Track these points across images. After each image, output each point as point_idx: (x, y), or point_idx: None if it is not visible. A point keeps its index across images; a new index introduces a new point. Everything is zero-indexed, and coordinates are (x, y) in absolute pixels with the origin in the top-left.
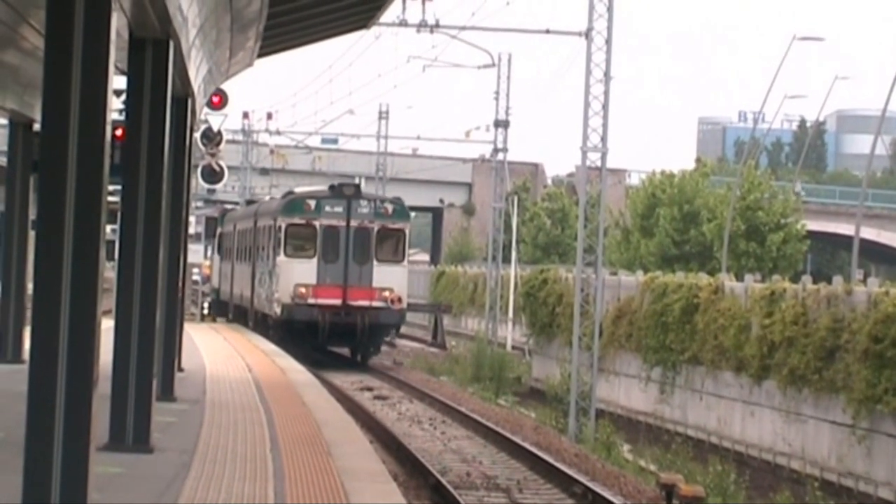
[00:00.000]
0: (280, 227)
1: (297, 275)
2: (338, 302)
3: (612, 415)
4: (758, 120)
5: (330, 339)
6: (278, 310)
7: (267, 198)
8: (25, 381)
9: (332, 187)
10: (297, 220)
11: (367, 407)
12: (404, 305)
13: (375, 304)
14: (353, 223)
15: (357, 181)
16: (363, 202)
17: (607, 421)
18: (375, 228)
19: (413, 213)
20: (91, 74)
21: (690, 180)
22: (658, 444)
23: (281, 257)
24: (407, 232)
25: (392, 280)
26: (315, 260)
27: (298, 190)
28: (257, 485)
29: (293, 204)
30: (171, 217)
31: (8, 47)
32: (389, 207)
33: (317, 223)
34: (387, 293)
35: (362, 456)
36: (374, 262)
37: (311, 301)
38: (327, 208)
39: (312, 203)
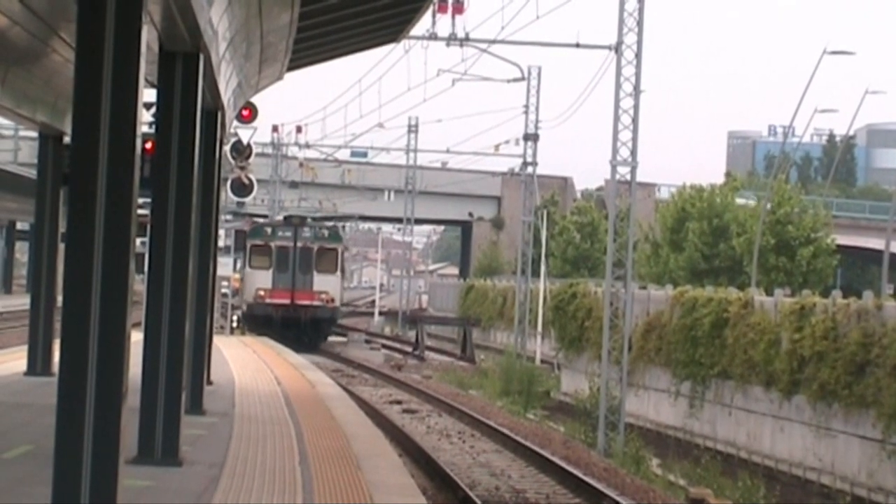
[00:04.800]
0: (247, 247)
1: (257, 281)
2: (287, 301)
3: (641, 429)
4: (788, 134)
5: (282, 328)
6: (244, 306)
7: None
8: (55, 393)
9: (285, 218)
10: (258, 242)
11: (396, 420)
12: (337, 305)
13: (315, 303)
14: (299, 244)
15: (304, 214)
16: (306, 229)
17: (636, 435)
18: (315, 248)
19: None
20: (121, 87)
21: (720, 194)
22: (687, 459)
23: (247, 269)
24: (339, 250)
25: (328, 286)
26: (271, 271)
27: (261, 220)
28: (286, 498)
29: (256, 230)
30: (200, 230)
31: (39, 60)
32: (326, 233)
33: (272, 244)
34: (324, 295)
35: (391, 469)
36: (314, 273)
37: (267, 301)
38: (280, 233)
39: (269, 230)
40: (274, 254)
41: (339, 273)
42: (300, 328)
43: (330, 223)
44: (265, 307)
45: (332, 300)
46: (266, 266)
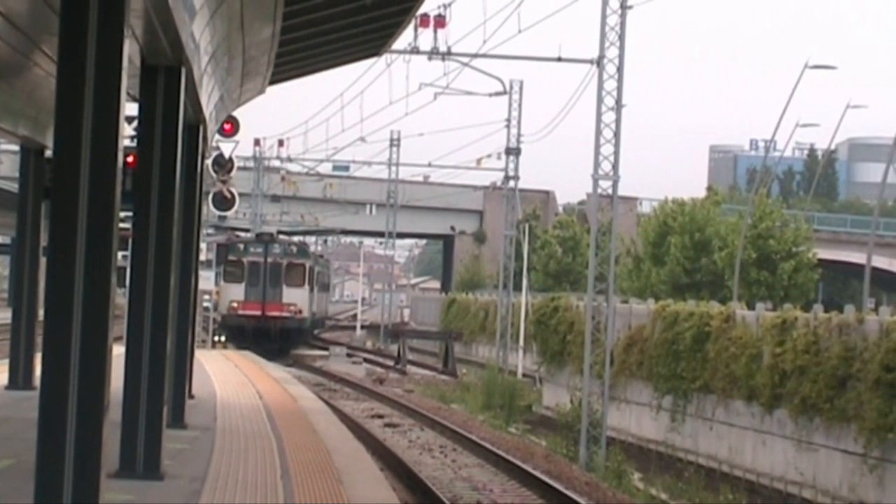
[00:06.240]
0: (221, 263)
1: (231, 294)
2: (258, 313)
3: (622, 443)
4: (769, 148)
5: (253, 338)
6: (219, 318)
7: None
8: (36, 407)
9: (256, 235)
10: (232, 258)
11: (378, 434)
12: (305, 316)
13: (284, 314)
14: (270, 259)
15: (273, 231)
16: (276, 245)
17: (618, 449)
18: (285, 263)
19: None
20: (103, 101)
21: (702, 209)
22: (669, 473)
23: (221, 283)
24: (307, 265)
25: (296, 298)
26: (243, 284)
27: (239, 236)
28: None
29: (230, 247)
30: (182, 244)
31: (20, 74)
32: (294, 249)
33: (244, 260)
34: (292, 307)
35: (373, 484)
36: (284, 286)
37: (240, 312)
38: (251, 249)
39: (242, 246)
40: (246, 269)
41: (307, 286)
42: (270, 338)
43: (298, 240)
44: (238, 318)
45: (301, 312)
46: (239, 280)
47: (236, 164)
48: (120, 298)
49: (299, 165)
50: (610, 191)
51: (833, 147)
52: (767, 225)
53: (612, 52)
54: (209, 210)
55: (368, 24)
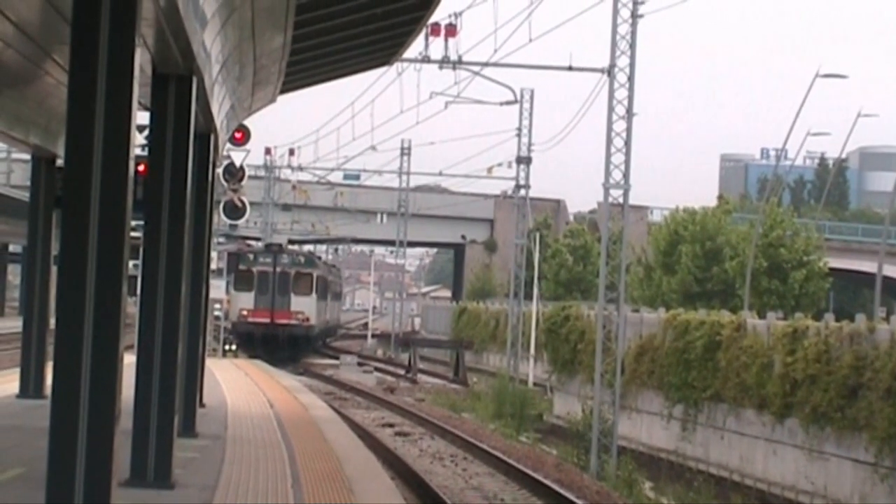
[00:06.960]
0: (232, 272)
1: (241, 302)
2: (267, 320)
3: (633, 452)
4: (780, 157)
5: (262, 345)
6: (230, 325)
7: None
8: (47, 416)
9: (266, 245)
10: (242, 267)
11: (389, 443)
12: (313, 323)
13: (292, 322)
14: (278, 269)
15: (282, 242)
16: (285, 255)
17: (629, 458)
18: (293, 272)
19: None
20: (114, 110)
21: (713, 217)
22: (680, 482)
23: (232, 291)
24: (315, 275)
25: (304, 306)
26: (253, 293)
27: (249, 245)
28: None
29: (240, 257)
30: (193, 252)
31: (31, 82)
32: (302, 259)
33: (254, 269)
34: (300, 315)
35: (384, 492)
36: (292, 295)
37: (250, 320)
38: (261, 259)
39: (252, 256)
40: (255, 278)
41: (314, 295)
42: (278, 344)
43: (306, 249)
44: (247, 325)
45: (308, 319)
46: (249, 289)
47: (247, 172)
48: (131, 307)
49: (310, 174)
50: (621, 199)
51: (844, 156)
52: (778, 234)
53: (622, 61)
54: (220, 219)
55: (379, 34)
